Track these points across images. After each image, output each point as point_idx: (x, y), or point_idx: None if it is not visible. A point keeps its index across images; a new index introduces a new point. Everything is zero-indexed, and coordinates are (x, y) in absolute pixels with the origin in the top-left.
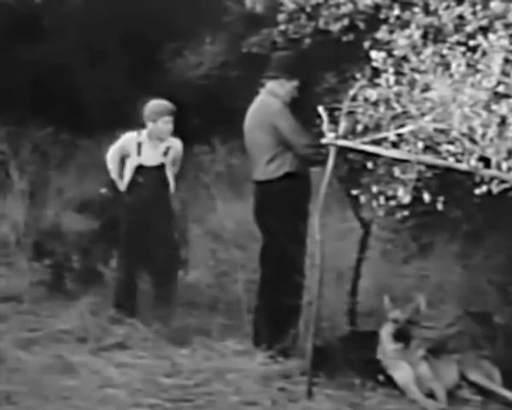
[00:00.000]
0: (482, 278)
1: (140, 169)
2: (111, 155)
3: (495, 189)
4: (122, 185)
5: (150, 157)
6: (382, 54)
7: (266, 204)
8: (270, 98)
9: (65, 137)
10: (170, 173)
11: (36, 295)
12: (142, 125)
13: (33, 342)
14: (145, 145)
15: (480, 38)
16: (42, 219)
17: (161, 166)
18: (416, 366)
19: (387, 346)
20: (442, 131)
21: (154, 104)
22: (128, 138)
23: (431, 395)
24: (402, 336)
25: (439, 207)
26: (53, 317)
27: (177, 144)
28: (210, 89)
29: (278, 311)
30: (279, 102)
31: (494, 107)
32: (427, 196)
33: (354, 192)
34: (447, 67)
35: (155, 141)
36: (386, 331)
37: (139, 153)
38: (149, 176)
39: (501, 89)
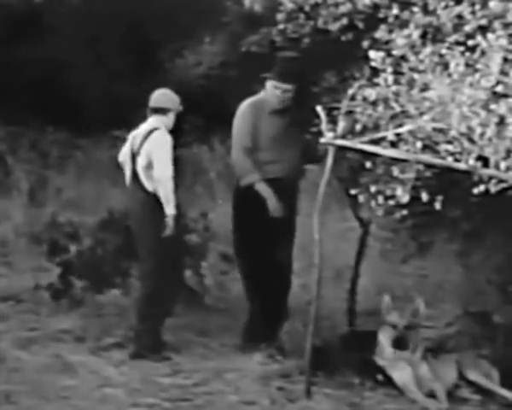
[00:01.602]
0: (481, 277)
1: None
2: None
3: (493, 188)
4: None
5: None
6: (381, 53)
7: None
8: (247, 100)
9: (64, 136)
10: None
11: (37, 296)
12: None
13: (33, 342)
14: None
15: (478, 38)
16: (42, 218)
17: None
18: (416, 367)
19: (386, 349)
20: (441, 131)
21: (172, 94)
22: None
23: (431, 395)
24: (401, 343)
25: (437, 206)
26: (52, 316)
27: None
28: (209, 88)
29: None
30: (245, 106)
31: (493, 106)
32: (425, 196)
33: (353, 192)
34: (446, 66)
35: None
36: (384, 335)
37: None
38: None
39: (500, 88)
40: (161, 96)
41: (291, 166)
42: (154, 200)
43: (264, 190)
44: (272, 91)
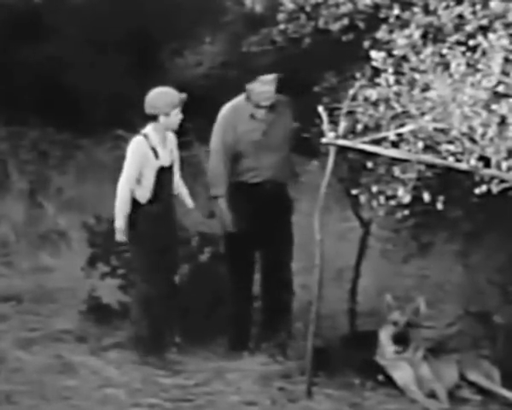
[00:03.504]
0: (482, 277)
1: (160, 172)
2: (126, 185)
3: (495, 188)
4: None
5: (164, 156)
6: (382, 53)
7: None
8: (227, 104)
9: (64, 136)
10: (177, 171)
11: (36, 294)
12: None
13: (33, 342)
14: (158, 145)
15: (479, 38)
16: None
17: (171, 166)
18: (416, 368)
19: (387, 348)
20: (442, 131)
21: (167, 94)
22: (141, 148)
23: (432, 395)
24: (401, 339)
25: (439, 206)
26: (53, 317)
27: (173, 138)
28: (209, 88)
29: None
30: (224, 111)
31: (494, 106)
32: (426, 196)
33: (354, 192)
34: (447, 66)
35: (161, 136)
36: (385, 334)
37: (157, 156)
38: (168, 177)
39: (501, 88)
40: (149, 101)
41: (277, 170)
42: (144, 209)
43: (221, 205)
44: (256, 89)
